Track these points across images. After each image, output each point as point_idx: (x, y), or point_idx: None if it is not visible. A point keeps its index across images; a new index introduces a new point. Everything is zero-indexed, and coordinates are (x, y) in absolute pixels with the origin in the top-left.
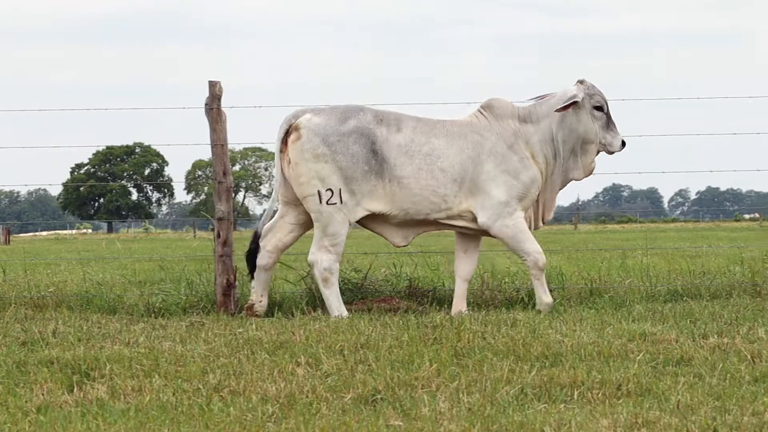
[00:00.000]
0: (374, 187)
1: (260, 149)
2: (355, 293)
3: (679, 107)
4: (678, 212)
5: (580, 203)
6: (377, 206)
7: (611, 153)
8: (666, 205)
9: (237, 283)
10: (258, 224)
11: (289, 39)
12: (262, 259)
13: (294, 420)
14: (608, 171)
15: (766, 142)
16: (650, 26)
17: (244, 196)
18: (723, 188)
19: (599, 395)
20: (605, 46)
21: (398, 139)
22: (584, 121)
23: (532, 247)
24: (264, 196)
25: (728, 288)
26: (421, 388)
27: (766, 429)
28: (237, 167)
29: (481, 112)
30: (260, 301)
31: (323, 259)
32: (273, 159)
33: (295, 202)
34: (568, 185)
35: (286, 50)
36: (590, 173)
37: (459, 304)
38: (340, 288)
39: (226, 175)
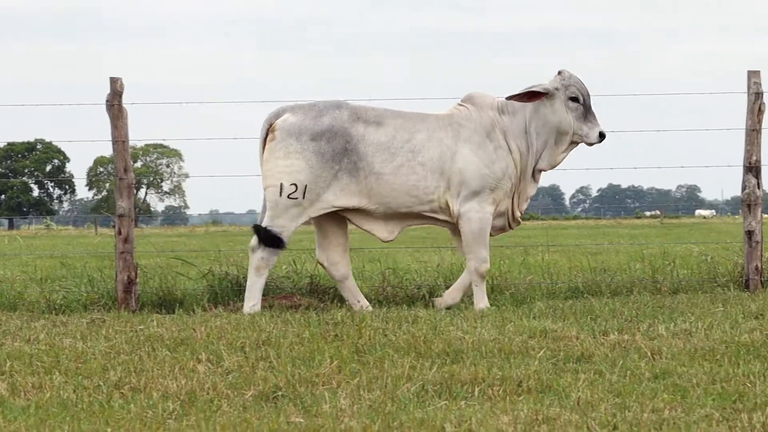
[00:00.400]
0: (346, 184)
1: (162, 146)
2: None
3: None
4: (579, 209)
5: None
6: (350, 202)
7: (590, 144)
8: (567, 203)
9: (138, 279)
10: (258, 218)
11: (189, 37)
12: (336, 273)
13: (195, 417)
14: None
15: (666, 141)
16: (548, 25)
17: (146, 193)
18: (624, 185)
19: (500, 392)
20: (504, 45)
21: (378, 136)
22: (559, 112)
23: (482, 253)
24: (165, 193)
25: (629, 285)
26: (322, 385)
27: (666, 426)
28: (138, 164)
29: (462, 104)
30: (361, 306)
31: (264, 249)
32: (174, 156)
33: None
34: (535, 179)
35: (187, 48)
36: (556, 165)
37: (454, 294)
38: (240, 285)
39: (127, 172)
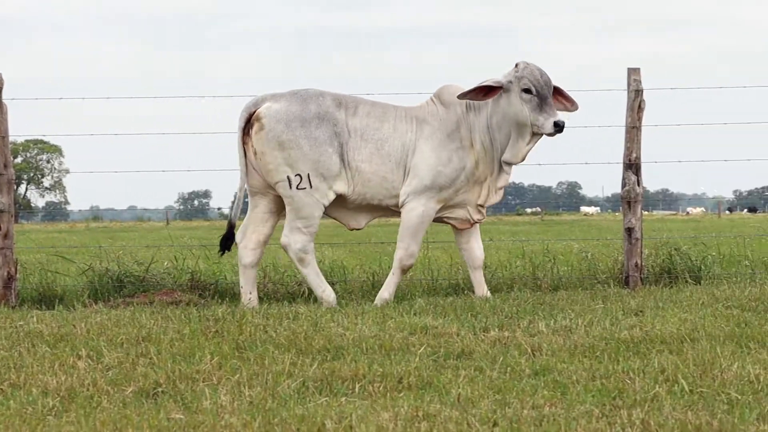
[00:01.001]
0: (339, 169)
1: (42, 141)
2: (137, 286)
3: None
4: None
5: None
6: (341, 188)
7: (548, 135)
8: None
9: (18, 276)
10: (230, 213)
11: (69, 32)
12: (246, 258)
13: (75, 413)
14: None
15: (546, 138)
16: (423, 21)
17: (26, 189)
18: None
19: (380, 388)
20: (379, 40)
21: (355, 123)
22: (514, 104)
23: (413, 247)
24: (46, 188)
25: (509, 281)
26: (203, 382)
27: (546, 422)
28: (19, 159)
29: (432, 99)
30: (249, 299)
31: (296, 240)
32: (54, 152)
33: (262, 190)
34: (507, 171)
35: (66, 44)
36: (522, 157)
37: (480, 291)
38: (121, 281)
39: (6, 167)
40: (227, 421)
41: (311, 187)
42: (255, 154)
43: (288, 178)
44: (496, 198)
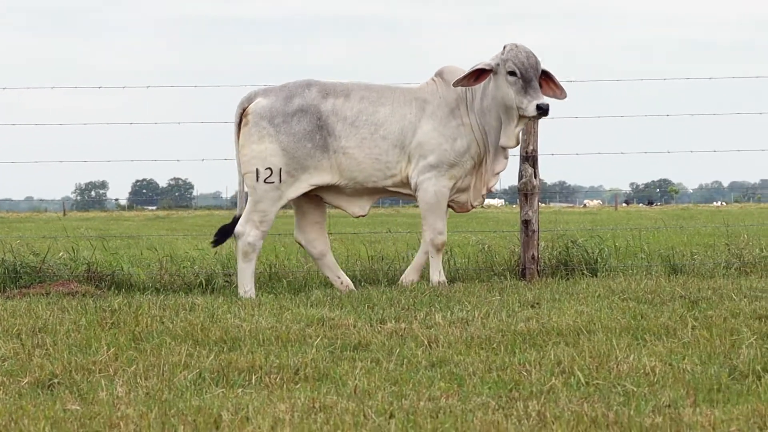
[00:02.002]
0: (319, 161)
1: None
2: (33, 277)
3: None
4: None
5: None
6: (323, 179)
7: (529, 118)
8: None
9: None
10: (237, 209)
11: None
12: (314, 250)
13: None
14: None
15: None
16: (317, 11)
17: None
18: None
19: (277, 380)
20: (276, 31)
21: (345, 111)
22: (501, 87)
23: (439, 225)
24: None
25: None
26: (99, 373)
27: (442, 413)
28: None
29: (434, 79)
30: (341, 282)
31: (250, 233)
32: None
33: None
34: (504, 155)
35: None
36: (517, 141)
37: (412, 275)
38: (17, 271)
39: None
40: (123, 413)
41: (280, 181)
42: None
43: (257, 170)
44: (493, 182)
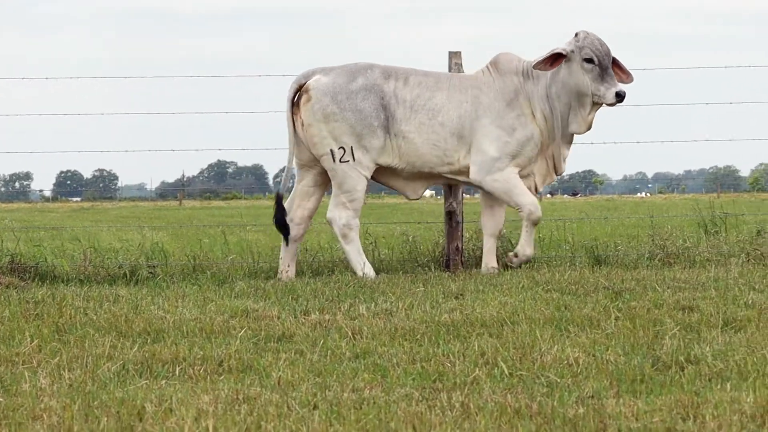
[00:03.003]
0: (383, 141)
1: None
2: None
3: (281, 83)
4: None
5: (185, 179)
6: (385, 160)
7: (609, 105)
8: (271, 182)
9: None
10: (279, 188)
11: None
12: (291, 231)
13: None
14: (213, 147)
15: None
16: (252, 5)
17: None
18: None
19: (201, 371)
20: (199, 23)
21: (405, 94)
22: (575, 74)
23: (527, 199)
24: None
25: (330, 265)
26: (22, 364)
27: (366, 404)
28: None
29: (488, 68)
30: (286, 271)
31: (341, 216)
32: None
33: (309, 164)
34: (574, 140)
35: None
36: (590, 126)
37: (489, 260)
38: None
39: None
40: (47, 404)
41: (354, 160)
42: (303, 125)
43: (331, 151)
44: (562, 168)
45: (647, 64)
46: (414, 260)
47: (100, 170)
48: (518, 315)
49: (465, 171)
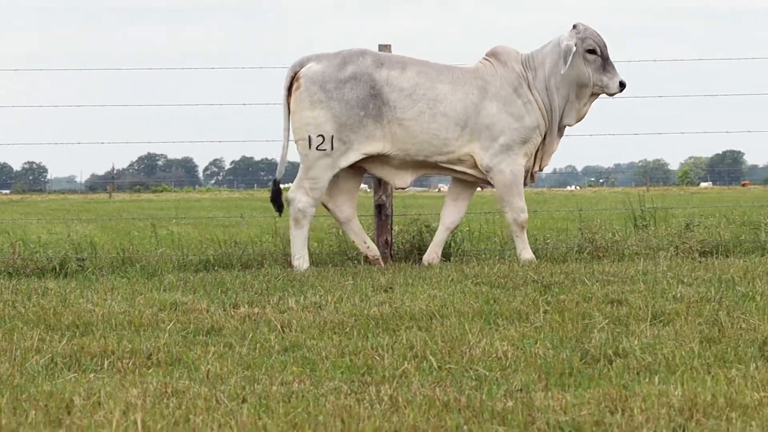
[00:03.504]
0: (371, 131)
1: None
2: None
3: (210, 76)
4: (213, 182)
5: (115, 172)
6: (375, 148)
7: (611, 95)
8: (201, 175)
9: None
10: (276, 172)
11: None
12: (341, 214)
13: None
14: (142, 140)
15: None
16: None
17: None
18: (257, 158)
19: (129, 365)
20: (135, 15)
21: (401, 82)
22: (577, 66)
23: (518, 203)
24: None
25: (260, 258)
26: None
27: (295, 398)
28: None
29: (487, 59)
30: (367, 247)
31: (301, 200)
32: None
33: None
34: (558, 135)
35: None
36: (582, 118)
37: (434, 251)
38: None
39: None
40: None
41: (332, 149)
42: (290, 113)
43: (309, 137)
44: (546, 162)
45: None
46: (343, 253)
47: (30, 163)
48: (447, 308)
49: (463, 161)
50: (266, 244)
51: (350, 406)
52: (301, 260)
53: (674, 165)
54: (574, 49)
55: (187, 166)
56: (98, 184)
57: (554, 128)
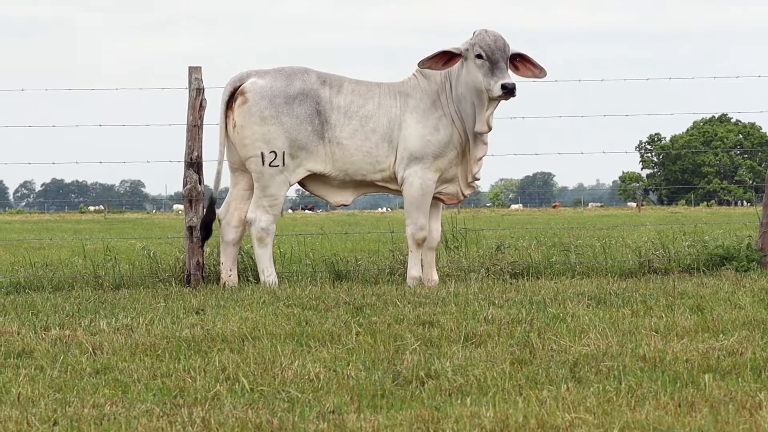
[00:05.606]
0: (316, 147)
1: None
2: None
3: (26, 98)
4: (24, 204)
5: None
6: (318, 167)
7: (497, 99)
8: (11, 197)
9: None
10: (209, 191)
11: None
12: (228, 235)
13: None
14: None
15: (109, 136)
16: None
17: None
18: (68, 180)
19: None
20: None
21: (339, 101)
22: (471, 72)
23: (421, 220)
24: None
25: (71, 280)
26: None
27: (107, 420)
28: None
29: (415, 74)
30: (230, 275)
31: (261, 219)
32: None
33: (242, 167)
34: (483, 141)
35: None
36: (490, 126)
37: (429, 273)
38: None
39: None
40: None
41: (284, 165)
42: (234, 127)
43: (262, 154)
44: (476, 169)
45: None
46: (155, 275)
47: None
48: (259, 330)
49: (395, 179)
50: (78, 267)
51: (162, 428)
52: (270, 276)
53: (485, 187)
54: (464, 52)
55: None
56: None
57: (470, 136)
